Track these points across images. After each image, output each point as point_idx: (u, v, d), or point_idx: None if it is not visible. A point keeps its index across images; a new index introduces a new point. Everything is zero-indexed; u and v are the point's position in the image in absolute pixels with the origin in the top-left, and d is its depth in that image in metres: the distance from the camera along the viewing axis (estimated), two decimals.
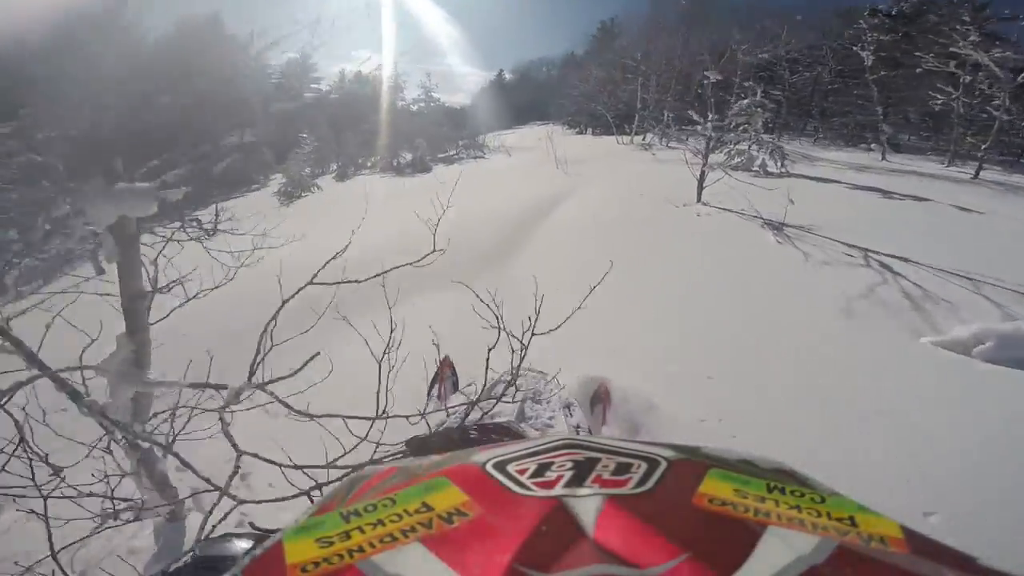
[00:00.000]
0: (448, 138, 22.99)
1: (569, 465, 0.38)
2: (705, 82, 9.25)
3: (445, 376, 2.53)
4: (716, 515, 0.32)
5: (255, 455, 1.57)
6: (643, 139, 19.64)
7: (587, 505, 0.33)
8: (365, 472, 0.45)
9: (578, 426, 1.84)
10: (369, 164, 21.74)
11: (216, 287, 2.42)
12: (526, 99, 39.38)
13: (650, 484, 0.36)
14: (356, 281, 1.91)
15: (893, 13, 18.91)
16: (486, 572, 0.28)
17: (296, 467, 1.52)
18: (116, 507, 1.80)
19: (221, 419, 1.60)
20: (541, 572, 0.27)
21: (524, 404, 1.87)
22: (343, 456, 1.67)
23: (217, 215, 3.46)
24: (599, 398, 2.62)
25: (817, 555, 0.28)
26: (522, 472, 0.38)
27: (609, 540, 0.30)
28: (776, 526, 0.31)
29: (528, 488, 0.36)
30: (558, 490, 0.35)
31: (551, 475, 0.37)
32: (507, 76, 43.00)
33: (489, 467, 0.39)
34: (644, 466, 0.38)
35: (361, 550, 0.31)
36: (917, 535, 0.31)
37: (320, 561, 0.30)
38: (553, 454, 0.41)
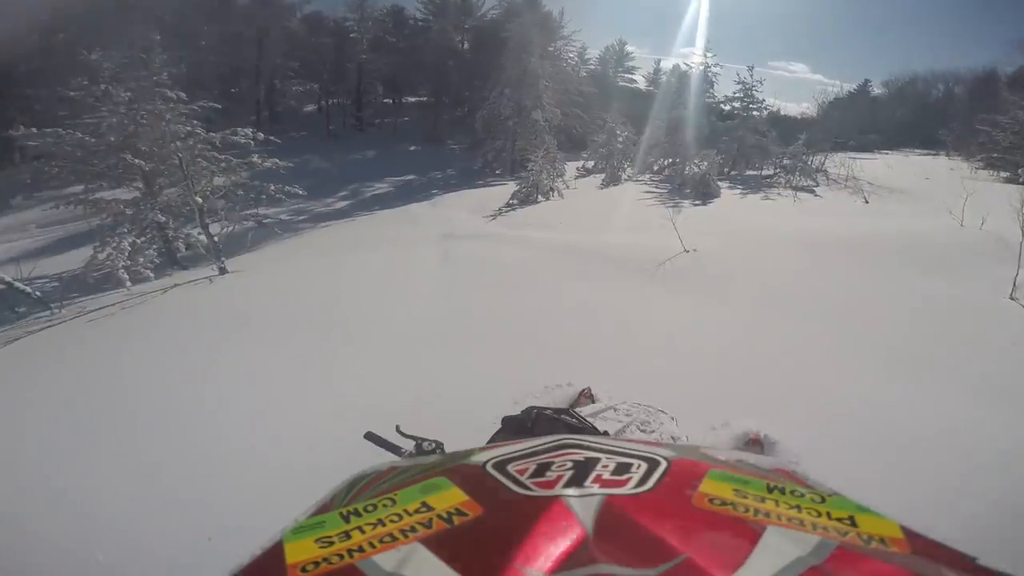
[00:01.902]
0: (764, 150, 17.63)
1: (569, 465, 0.39)
2: None
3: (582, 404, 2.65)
4: (716, 515, 0.33)
5: None
6: None
7: (587, 505, 0.33)
8: (365, 472, 0.45)
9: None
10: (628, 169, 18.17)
11: None
12: (903, 119, 29.26)
13: (650, 484, 0.37)
14: None
15: None
16: (486, 572, 0.28)
17: None
18: None
19: None
20: (541, 572, 0.28)
21: (626, 429, 2.16)
22: None
23: None
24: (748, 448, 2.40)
25: (817, 555, 0.29)
26: (522, 472, 0.39)
27: (609, 540, 0.30)
28: (776, 526, 0.31)
29: (528, 488, 0.37)
30: (558, 490, 0.35)
31: (551, 475, 0.38)
32: (875, 89, 32.87)
33: (489, 467, 0.40)
34: (644, 466, 0.39)
35: (361, 550, 0.31)
36: (917, 535, 0.32)
37: (320, 561, 0.31)
38: (553, 454, 0.41)
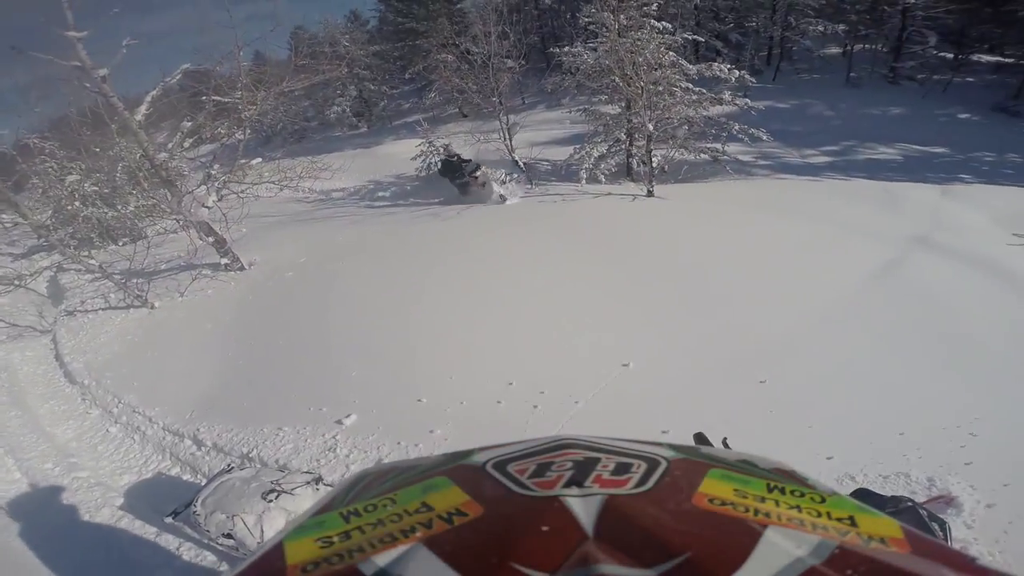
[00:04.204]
0: None
1: (569, 465, 0.39)
2: None
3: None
4: (716, 515, 0.33)
5: None
6: None
7: (587, 505, 0.34)
8: (365, 472, 0.46)
9: None
10: None
11: None
12: None
13: (650, 484, 0.37)
14: None
15: None
16: (486, 572, 0.29)
17: None
18: None
19: None
20: (541, 572, 0.28)
21: None
22: None
23: None
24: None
25: (817, 555, 0.29)
26: (522, 472, 0.39)
27: (609, 540, 0.30)
28: (776, 526, 0.32)
29: (528, 488, 0.37)
30: (558, 490, 0.36)
31: (551, 475, 0.38)
32: None
33: (489, 467, 0.41)
34: (644, 466, 0.39)
35: (361, 550, 0.32)
36: (917, 535, 0.32)
37: (320, 561, 0.31)
38: (553, 454, 0.42)
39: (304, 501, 3.08)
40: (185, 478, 4.24)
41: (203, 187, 7.69)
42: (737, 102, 9.52)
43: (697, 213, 8.00)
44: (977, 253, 6.46)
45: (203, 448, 4.49)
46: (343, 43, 19.77)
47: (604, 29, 9.22)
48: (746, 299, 5.37)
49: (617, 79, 9.06)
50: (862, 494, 2.42)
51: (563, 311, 5.48)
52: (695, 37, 11.88)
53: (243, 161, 8.31)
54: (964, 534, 2.81)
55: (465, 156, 10.22)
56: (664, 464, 0.40)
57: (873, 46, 18.97)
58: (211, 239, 7.85)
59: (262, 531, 2.86)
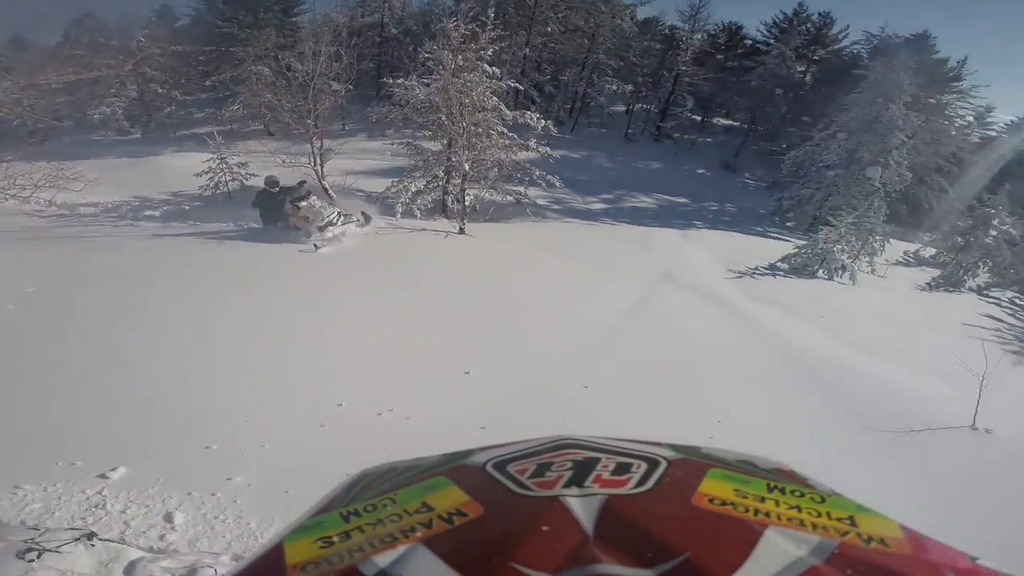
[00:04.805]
0: None
1: (569, 465, 0.40)
2: None
3: None
4: (716, 515, 0.34)
5: None
6: None
7: (587, 505, 0.34)
8: (365, 472, 0.46)
9: None
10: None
11: None
12: None
13: (650, 484, 0.37)
14: None
15: None
16: (486, 572, 0.29)
17: None
18: None
19: None
20: (541, 572, 0.28)
21: None
22: None
23: None
24: None
25: (817, 555, 0.29)
26: (522, 472, 0.40)
27: (609, 540, 0.31)
28: (776, 526, 0.32)
29: (528, 488, 0.37)
30: (558, 490, 0.36)
31: (551, 475, 0.38)
32: None
33: (489, 467, 0.41)
34: (644, 466, 0.40)
35: (361, 550, 0.32)
36: (917, 535, 0.32)
37: (320, 561, 0.31)
38: (553, 454, 0.42)
39: (77, 559, 2.67)
40: None
41: None
42: (540, 150, 10.71)
43: (501, 252, 8.96)
44: (703, 285, 8.63)
45: None
46: (138, 38, 16.77)
47: (440, 67, 9.62)
48: (537, 328, 6.32)
49: (444, 116, 9.57)
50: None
51: (373, 346, 5.63)
52: (517, 85, 13.22)
53: None
54: None
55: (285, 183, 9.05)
56: (664, 464, 0.40)
57: (648, 106, 23.52)
58: None
59: None
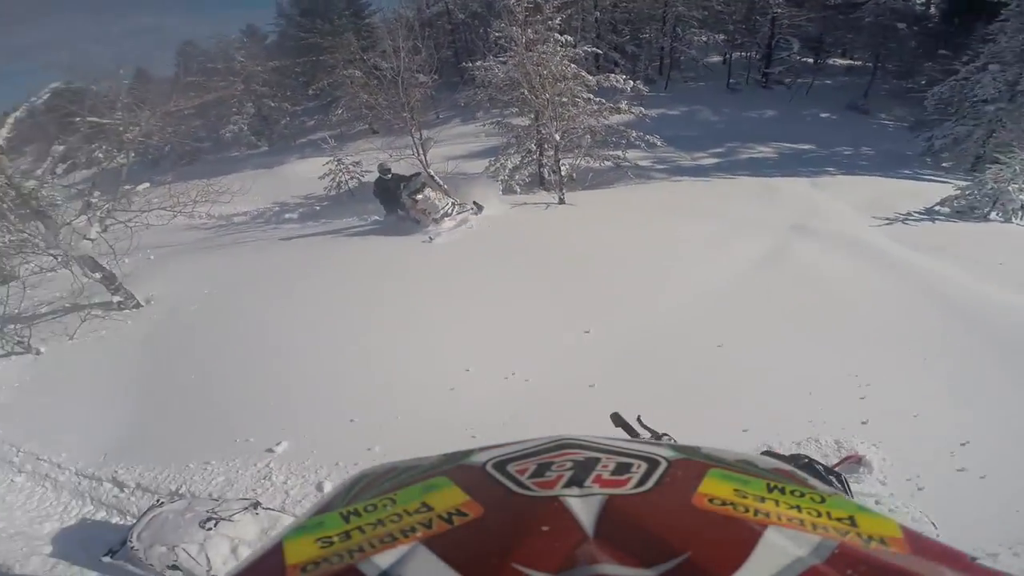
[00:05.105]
0: None
1: (569, 465, 0.40)
2: None
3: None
4: (716, 515, 0.34)
5: None
6: None
7: (587, 505, 0.34)
8: (366, 472, 0.46)
9: None
10: None
11: None
12: None
13: (650, 484, 0.37)
14: None
15: None
16: (486, 572, 0.29)
17: None
18: None
19: None
20: (541, 572, 0.28)
21: None
22: None
23: None
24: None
25: (817, 555, 0.29)
26: (522, 472, 0.40)
27: (609, 540, 0.31)
28: (776, 526, 0.32)
29: (528, 488, 0.37)
30: (558, 490, 0.36)
31: (551, 475, 0.38)
32: None
33: (489, 467, 0.41)
34: (644, 466, 0.40)
35: (361, 550, 0.32)
36: (917, 535, 0.32)
37: (320, 561, 0.31)
38: (553, 454, 0.42)
39: (245, 527, 3.06)
40: (114, 520, 4.02)
41: (83, 217, 6.93)
42: (633, 111, 10.23)
43: (604, 217, 8.55)
44: (844, 234, 7.53)
45: (126, 489, 4.26)
46: (238, 59, 18.74)
47: (512, 43, 9.53)
48: (653, 292, 5.89)
49: (526, 91, 9.44)
50: (767, 455, 2.76)
51: (492, 318, 5.72)
52: (595, 49, 12.69)
53: (128, 187, 7.57)
54: (879, 490, 3.15)
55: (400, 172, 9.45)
56: (664, 464, 0.40)
57: (748, 54, 21.30)
58: (98, 275, 7.07)
59: (207, 559, 2.83)
